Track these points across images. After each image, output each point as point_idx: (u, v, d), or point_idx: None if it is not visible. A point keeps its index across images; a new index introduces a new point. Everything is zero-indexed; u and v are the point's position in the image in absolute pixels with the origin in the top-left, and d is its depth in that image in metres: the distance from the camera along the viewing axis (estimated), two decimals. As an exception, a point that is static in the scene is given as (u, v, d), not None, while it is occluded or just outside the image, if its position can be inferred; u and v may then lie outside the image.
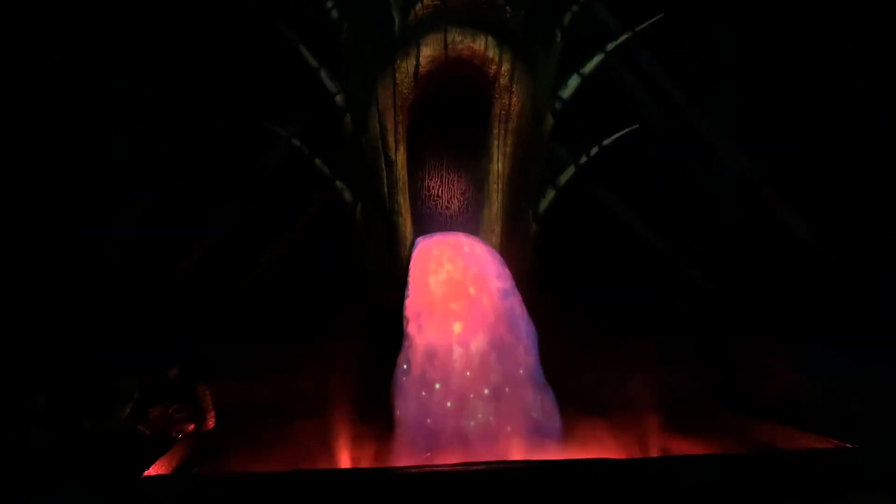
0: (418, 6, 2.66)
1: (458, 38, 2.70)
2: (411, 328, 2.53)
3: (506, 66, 2.77)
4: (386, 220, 2.88)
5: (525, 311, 2.62)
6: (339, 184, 2.87)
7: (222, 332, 2.61)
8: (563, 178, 3.00)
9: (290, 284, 2.89)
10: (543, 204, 3.01)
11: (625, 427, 2.35)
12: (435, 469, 2.09)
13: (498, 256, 2.76)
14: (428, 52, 2.71)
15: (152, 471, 1.89)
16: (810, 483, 1.76)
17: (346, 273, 2.82)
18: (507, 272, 2.69)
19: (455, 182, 3.07)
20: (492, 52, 2.74)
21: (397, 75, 2.74)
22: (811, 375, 2.33)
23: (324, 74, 2.81)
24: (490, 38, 2.72)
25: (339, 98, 2.86)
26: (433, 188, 3.06)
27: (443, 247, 2.76)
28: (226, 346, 2.53)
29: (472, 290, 2.63)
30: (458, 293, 2.63)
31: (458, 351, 2.52)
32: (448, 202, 3.08)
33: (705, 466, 1.83)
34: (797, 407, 2.27)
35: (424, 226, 3.04)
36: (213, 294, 2.74)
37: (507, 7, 2.72)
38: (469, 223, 3.07)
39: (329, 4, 2.79)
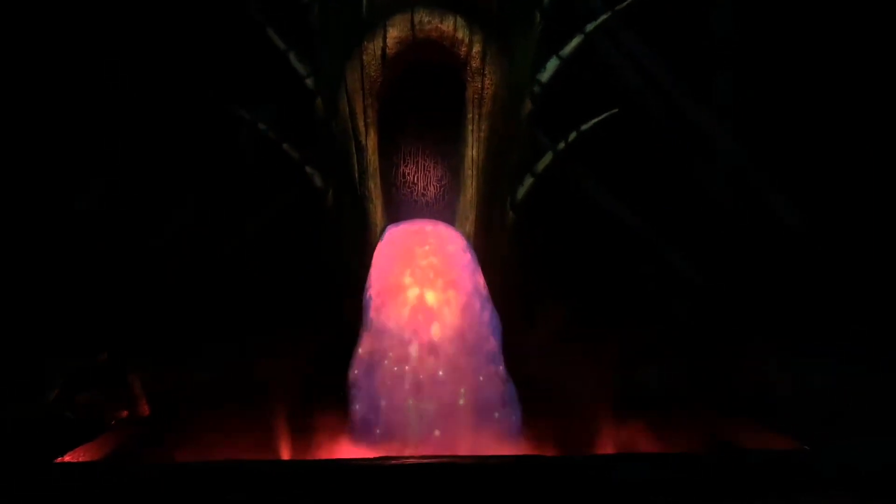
0: (385, -15, 2.61)
1: (426, 19, 2.61)
2: (370, 314, 2.48)
3: (477, 48, 2.68)
4: (357, 206, 2.84)
5: (489, 301, 2.54)
6: (308, 169, 2.82)
7: (185, 318, 2.61)
8: (541, 165, 2.88)
9: (260, 270, 2.86)
10: (521, 192, 2.92)
11: (583, 421, 2.26)
12: (383, 463, 2.05)
13: (465, 244, 2.68)
14: (395, 33, 2.63)
15: (73, 457, 1.88)
16: (758, 483, 1.66)
17: (317, 259, 2.78)
18: (473, 261, 2.62)
19: (432, 168, 2.98)
20: (461, 33, 2.65)
21: (364, 57, 2.66)
22: (789, 372, 2.22)
23: (293, 57, 2.76)
24: (459, 19, 2.63)
25: (309, 81, 2.81)
26: (409, 174, 2.97)
27: (410, 234, 2.69)
28: (187, 332, 2.52)
29: (434, 279, 2.56)
30: (420, 281, 2.56)
31: (416, 338, 2.46)
32: (424, 189, 2.99)
33: (641, 464, 1.74)
34: (772, 404, 2.16)
35: (400, 213, 2.96)
36: (177, 277, 2.72)
37: (479, -14, 2.66)
38: (446, 210, 2.97)
39: (298, -19, 2.74)
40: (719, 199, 2.94)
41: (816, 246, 2.82)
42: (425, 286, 2.55)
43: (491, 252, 2.88)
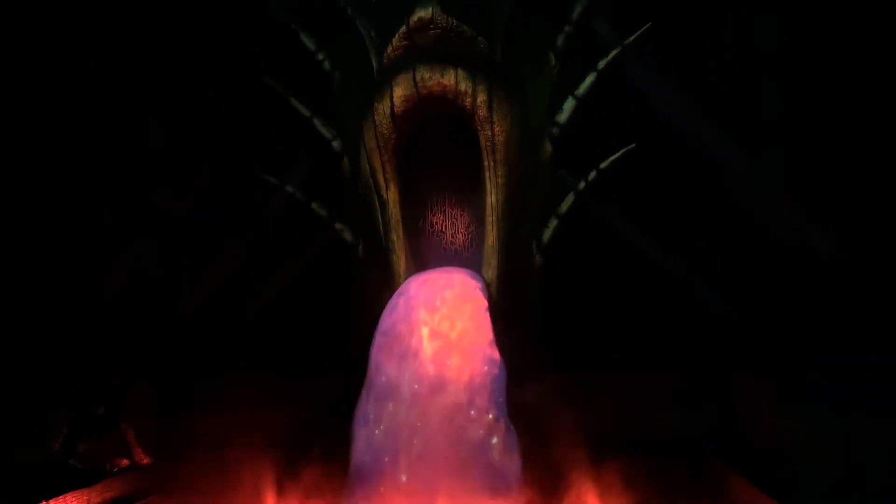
0: (389, 48, 2.71)
1: (427, 75, 2.69)
2: (375, 368, 2.55)
3: (482, 98, 2.71)
4: (383, 257, 2.94)
5: (498, 359, 2.52)
6: (338, 225, 2.97)
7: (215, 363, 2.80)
8: (564, 206, 2.86)
9: (290, 322, 3.02)
10: (547, 234, 2.90)
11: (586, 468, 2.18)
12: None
13: (482, 296, 2.69)
14: (400, 91, 2.72)
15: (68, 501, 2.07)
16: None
17: (349, 311, 2.90)
18: (487, 314, 2.61)
19: (459, 216, 3.04)
20: (464, 86, 2.69)
21: (376, 117, 2.78)
22: (802, 420, 2.02)
23: (318, 122, 2.93)
24: (461, 72, 2.68)
25: (335, 143, 2.97)
26: (437, 223, 3.05)
27: (427, 286, 2.74)
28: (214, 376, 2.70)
29: (444, 334, 2.58)
30: (429, 336, 2.59)
31: (419, 393, 2.50)
32: (453, 237, 3.05)
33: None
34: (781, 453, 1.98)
35: (430, 261, 3.04)
36: (213, 326, 2.94)
37: (480, 38, 2.68)
38: (475, 257, 3.02)
39: (321, 57, 2.91)
40: (750, 232, 2.74)
41: (852, 278, 2.54)
42: (434, 340, 2.58)
43: (516, 297, 2.88)
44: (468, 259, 2.97)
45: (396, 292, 2.73)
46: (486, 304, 2.65)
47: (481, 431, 2.38)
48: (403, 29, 2.65)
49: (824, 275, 2.58)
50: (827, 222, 2.63)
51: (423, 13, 2.62)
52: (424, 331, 2.57)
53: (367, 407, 2.46)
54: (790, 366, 2.37)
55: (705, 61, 2.87)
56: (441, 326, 2.57)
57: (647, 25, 2.60)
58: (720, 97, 2.86)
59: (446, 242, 3.00)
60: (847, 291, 2.54)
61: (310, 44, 2.95)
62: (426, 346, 2.56)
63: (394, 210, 2.84)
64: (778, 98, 2.93)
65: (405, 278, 2.83)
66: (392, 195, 2.84)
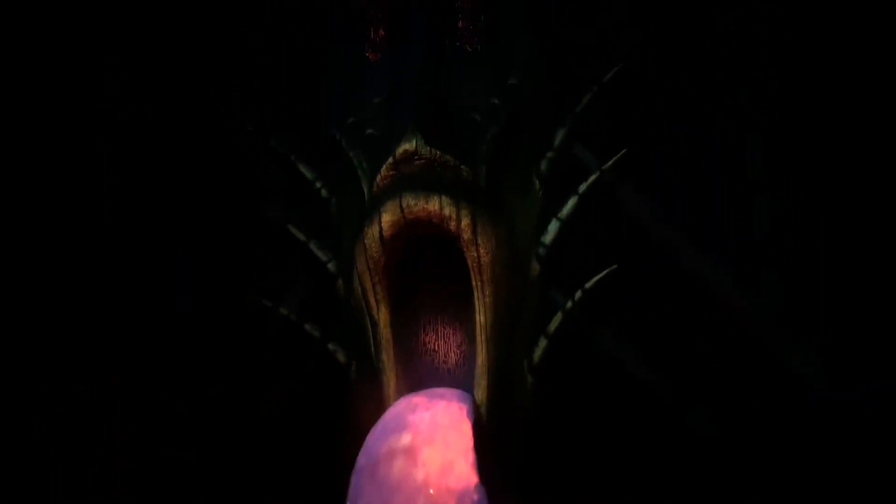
0: (378, 177, 2.83)
1: (412, 202, 2.79)
2: (356, 491, 2.53)
3: (465, 222, 2.79)
4: (374, 378, 2.97)
5: (478, 478, 2.49)
6: (331, 346, 3.03)
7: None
8: (553, 325, 2.87)
9: (281, 441, 3.05)
10: (537, 354, 2.90)
11: None
12: None
13: (467, 420, 2.67)
14: (388, 217, 2.82)
15: None
16: None
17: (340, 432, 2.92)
18: (469, 438, 2.59)
19: (451, 335, 3.06)
20: (448, 210, 2.79)
21: (366, 241, 2.87)
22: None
23: (313, 245, 3.04)
24: (444, 198, 2.78)
25: (330, 265, 3.06)
26: (430, 343, 3.07)
27: (410, 409, 2.73)
28: None
29: (426, 457, 2.55)
30: (411, 460, 2.57)
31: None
32: (445, 356, 3.06)
33: None
34: None
35: (422, 381, 3.04)
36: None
37: (463, 166, 2.79)
38: (468, 376, 3.01)
39: (319, 185, 3.05)
40: (739, 355, 2.71)
41: (837, 401, 2.47)
42: (416, 467, 2.54)
43: (507, 418, 2.86)
44: (461, 378, 2.96)
45: (383, 415, 2.75)
46: (471, 428, 2.64)
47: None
48: (390, 160, 2.78)
49: (812, 403, 2.53)
50: (819, 349, 2.60)
51: (407, 145, 2.75)
52: (405, 456, 2.56)
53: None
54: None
55: (692, 181, 2.93)
56: (423, 453, 2.56)
57: (623, 152, 2.67)
58: (708, 216, 2.90)
59: (439, 362, 3.01)
60: (834, 422, 2.47)
61: (308, 174, 3.11)
62: (407, 472, 2.54)
63: (384, 330, 2.90)
64: (770, 217, 2.95)
65: (395, 399, 2.86)
66: (383, 316, 2.89)
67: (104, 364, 3.25)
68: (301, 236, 3.07)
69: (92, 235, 3.31)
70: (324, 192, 3.08)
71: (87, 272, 3.25)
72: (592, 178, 2.76)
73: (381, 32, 2.96)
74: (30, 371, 3.22)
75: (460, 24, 2.87)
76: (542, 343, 2.89)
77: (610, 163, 2.72)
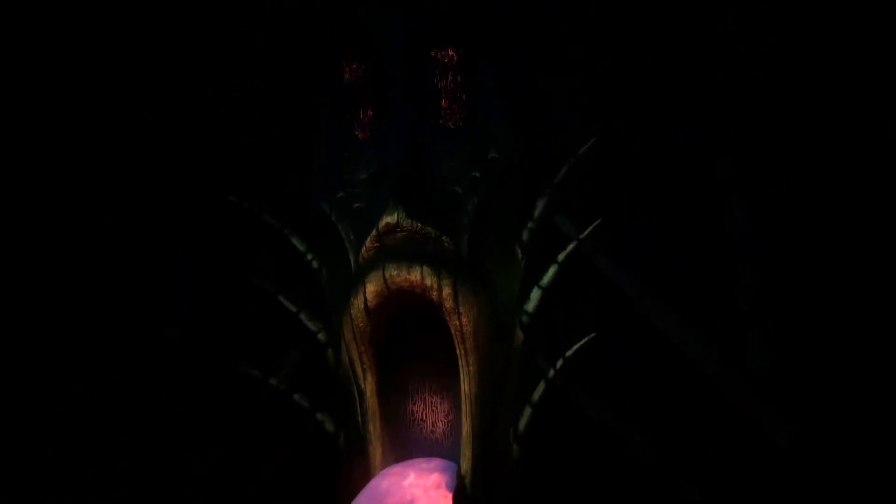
0: (363, 249, 2.91)
1: (395, 272, 2.86)
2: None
3: (447, 291, 2.85)
4: (362, 449, 2.99)
5: None
6: (319, 416, 3.06)
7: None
8: (537, 394, 2.88)
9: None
10: (522, 423, 2.90)
11: None
12: None
13: (451, 489, 2.66)
14: (372, 287, 2.90)
15: None
16: None
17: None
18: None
19: (439, 404, 3.08)
20: (429, 280, 2.85)
21: (352, 311, 2.94)
22: None
23: (304, 316, 3.11)
24: (426, 268, 2.85)
25: (320, 336, 3.12)
26: (417, 412, 3.10)
27: (393, 482, 2.73)
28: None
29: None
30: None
31: None
32: (433, 426, 3.08)
33: None
34: None
35: (410, 451, 3.05)
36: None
37: (444, 237, 2.86)
38: (455, 446, 3.02)
39: (309, 257, 3.13)
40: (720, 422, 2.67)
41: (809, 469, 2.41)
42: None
43: (492, 489, 2.84)
44: (449, 448, 2.97)
45: (366, 485, 2.75)
46: (453, 499, 2.63)
47: None
48: (374, 232, 2.87)
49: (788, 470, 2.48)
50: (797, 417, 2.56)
51: (389, 218, 2.84)
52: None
53: None
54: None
55: (670, 249, 2.96)
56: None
57: (597, 222, 2.73)
58: (688, 283, 2.92)
59: (426, 432, 3.03)
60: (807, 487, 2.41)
61: (300, 246, 3.20)
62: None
63: (371, 400, 2.93)
64: (755, 290, 2.96)
65: (381, 469, 2.87)
66: (369, 385, 2.93)
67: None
68: (292, 307, 3.16)
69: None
70: (314, 264, 3.18)
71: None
72: (570, 247, 2.81)
73: (370, 112, 3.10)
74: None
75: (443, 102, 3.00)
76: (527, 412, 2.91)
77: (586, 232, 2.77)
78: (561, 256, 2.87)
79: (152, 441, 3.10)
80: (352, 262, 3.03)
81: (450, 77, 3.05)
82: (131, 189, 3.27)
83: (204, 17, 3.29)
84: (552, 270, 2.90)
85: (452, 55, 3.03)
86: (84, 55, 3.38)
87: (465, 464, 2.79)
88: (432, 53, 2.99)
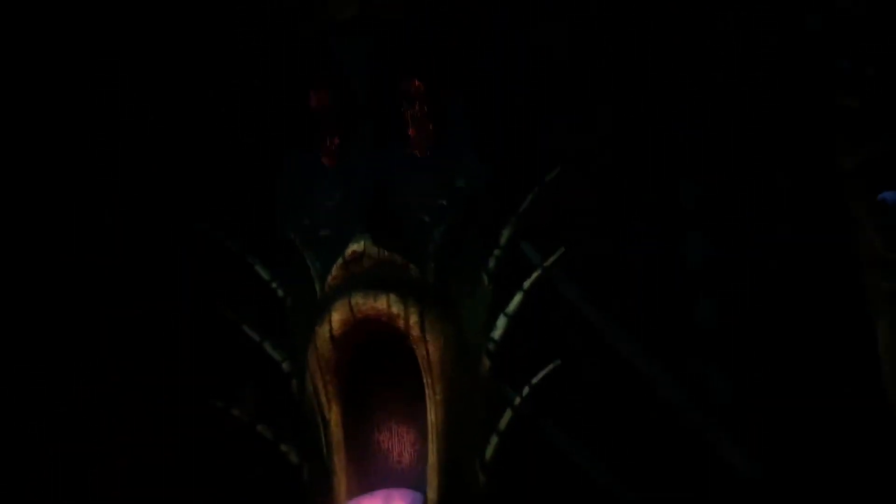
0: (330, 277, 2.89)
1: (361, 301, 2.84)
2: None
3: (414, 319, 2.84)
4: (327, 479, 2.94)
5: None
6: (283, 447, 3.01)
7: None
8: (503, 423, 2.87)
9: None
10: (489, 451, 2.89)
11: None
12: None
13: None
14: (337, 316, 2.87)
15: None
16: None
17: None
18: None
19: (405, 434, 3.05)
20: (396, 308, 2.83)
21: (317, 340, 2.90)
22: None
23: (268, 346, 3.07)
24: (392, 296, 2.83)
25: (285, 365, 3.08)
26: (384, 442, 3.05)
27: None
28: None
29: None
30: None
31: None
32: (399, 456, 3.04)
33: None
34: None
35: (376, 482, 2.99)
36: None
37: (411, 265, 2.86)
38: (422, 476, 2.99)
39: (274, 285, 3.10)
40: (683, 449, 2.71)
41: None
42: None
43: (458, 520, 2.84)
44: (416, 478, 2.92)
45: (329, 522, 2.71)
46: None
47: None
48: (340, 260, 2.86)
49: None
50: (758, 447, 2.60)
51: (356, 246, 2.83)
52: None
53: None
54: None
55: (634, 278, 3.00)
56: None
57: (560, 250, 2.76)
58: (651, 313, 2.96)
59: (393, 462, 2.99)
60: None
61: (264, 274, 3.17)
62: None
63: (336, 430, 2.88)
64: (715, 312, 3.01)
65: (347, 500, 2.83)
66: (334, 416, 2.89)
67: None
68: (256, 336, 3.11)
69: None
70: (279, 292, 3.14)
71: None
72: (535, 274, 2.83)
73: (336, 140, 3.10)
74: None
75: (410, 131, 3.02)
76: (494, 440, 2.90)
77: (551, 260, 2.80)
78: (526, 284, 2.89)
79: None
80: (317, 290, 3.00)
81: (416, 106, 3.07)
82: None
83: (186, 35, 3.28)
84: (518, 298, 2.92)
85: (419, 85, 3.07)
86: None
87: (432, 493, 2.76)
88: (399, 83, 3.03)
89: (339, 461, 2.92)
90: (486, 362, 2.94)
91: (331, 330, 2.95)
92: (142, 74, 3.30)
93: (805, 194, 3.06)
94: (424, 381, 2.89)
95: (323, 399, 3.00)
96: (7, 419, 3.11)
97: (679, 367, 2.84)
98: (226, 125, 3.30)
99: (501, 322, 2.93)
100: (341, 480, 2.89)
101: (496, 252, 2.99)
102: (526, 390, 2.81)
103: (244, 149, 3.31)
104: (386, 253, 2.85)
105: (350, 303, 2.92)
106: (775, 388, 2.77)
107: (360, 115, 3.08)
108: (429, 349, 2.89)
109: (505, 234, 2.98)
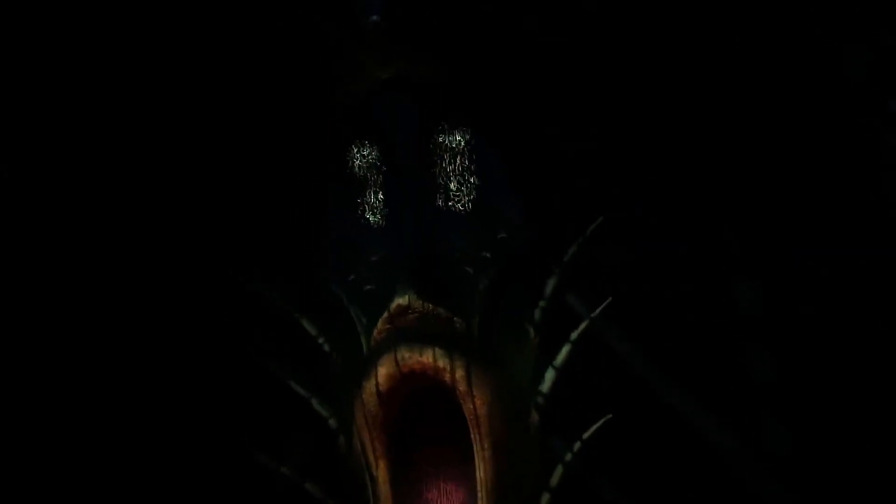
0: (375, 331, 2.90)
1: (407, 354, 2.84)
2: None
3: (460, 373, 2.82)
4: (374, 538, 2.90)
5: None
6: (331, 503, 2.98)
7: None
8: (554, 479, 2.80)
9: None
10: (541, 510, 2.83)
11: None
12: None
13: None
14: (384, 370, 2.87)
15: None
16: None
17: None
18: None
19: (454, 492, 2.98)
20: (442, 362, 2.82)
21: (364, 395, 2.90)
22: None
23: (315, 402, 3.07)
24: (438, 350, 2.82)
25: (332, 422, 3.07)
26: (432, 500, 2.99)
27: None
28: None
29: None
30: None
31: None
32: (448, 513, 3.01)
33: None
34: None
35: (427, 541, 2.99)
36: None
37: (456, 318, 2.85)
38: (471, 535, 2.96)
39: (321, 340, 3.11)
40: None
41: None
42: None
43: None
44: (465, 537, 2.90)
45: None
46: None
47: None
48: (385, 314, 2.87)
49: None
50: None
51: (400, 300, 2.84)
52: None
53: None
54: None
55: (684, 327, 2.94)
56: None
57: (608, 300, 2.73)
58: (702, 361, 2.88)
59: (442, 520, 2.96)
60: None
61: (312, 329, 3.19)
62: None
63: (384, 487, 2.85)
64: (770, 363, 2.92)
65: (395, 560, 2.78)
66: (381, 472, 2.86)
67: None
68: (303, 392, 3.12)
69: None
70: (326, 348, 3.16)
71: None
72: (582, 325, 2.79)
73: (380, 195, 3.14)
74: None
75: (452, 185, 3.04)
76: (545, 497, 2.83)
77: (598, 310, 2.77)
78: (574, 335, 2.86)
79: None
80: (363, 344, 3.01)
81: (458, 160, 3.12)
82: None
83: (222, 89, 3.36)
84: (565, 349, 2.89)
85: (460, 140, 3.12)
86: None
87: (483, 554, 2.71)
88: (440, 138, 3.07)
89: (387, 519, 2.91)
90: (535, 416, 2.89)
91: (377, 385, 2.95)
92: (194, 133, 3.40)
93: (859, 238, 2.99)
94: (472, 436, 2.85)
95: (370, 456, 2.98)
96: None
97: (733, 418, 2.75)
98: (273, 183, 3.37)
99: (549, 375, 2.90)
100: (390, 539, 2.87)
101: (541, 303, 2.96)
102: (577, 445, 2.76)
103: (290, 206, 3.37)
104: (431, 306, 2.85)
105: (396, 357, 2.92)
106: (834, 437, 2.67)
107: (402, 171, 3.14)
108: (476, 403, 2.86)
109: (550, 285, 2.96)
